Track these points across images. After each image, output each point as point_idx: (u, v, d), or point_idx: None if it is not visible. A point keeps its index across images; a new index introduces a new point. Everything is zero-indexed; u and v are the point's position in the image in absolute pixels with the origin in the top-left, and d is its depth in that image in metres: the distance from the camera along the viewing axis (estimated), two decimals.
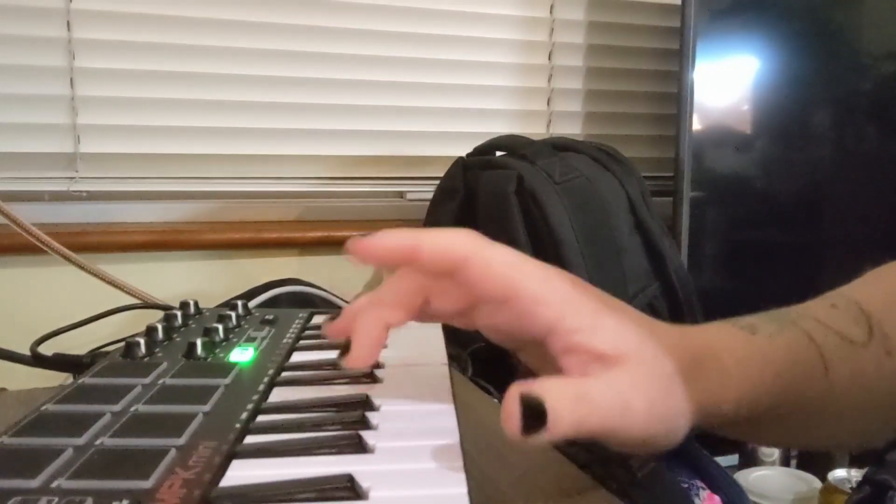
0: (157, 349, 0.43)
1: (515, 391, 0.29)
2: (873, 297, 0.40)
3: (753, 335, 0.37)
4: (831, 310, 0.39)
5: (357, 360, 0.33)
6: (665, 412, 0.32)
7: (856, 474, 0.88)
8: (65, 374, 0.61)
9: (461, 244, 0.32)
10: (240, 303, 0.53)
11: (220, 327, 0.45)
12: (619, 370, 0.31)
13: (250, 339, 0.46)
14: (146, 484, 0.26)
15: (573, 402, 0.29)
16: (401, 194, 1.19)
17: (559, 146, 1.04)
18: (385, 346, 0.45)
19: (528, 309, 0.31)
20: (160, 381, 0.37)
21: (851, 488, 0.85)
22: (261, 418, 0.33)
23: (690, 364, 0.33)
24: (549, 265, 0.34)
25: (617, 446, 0.31)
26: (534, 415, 0.28)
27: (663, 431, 0.32)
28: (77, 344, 0.63)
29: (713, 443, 0.98)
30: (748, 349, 0.36)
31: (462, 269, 0.32)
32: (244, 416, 0.33)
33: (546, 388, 0.29)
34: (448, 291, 0.33)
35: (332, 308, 0.93)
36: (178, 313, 0.49)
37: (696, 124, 1.12)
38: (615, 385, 0.30)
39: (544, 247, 0.91)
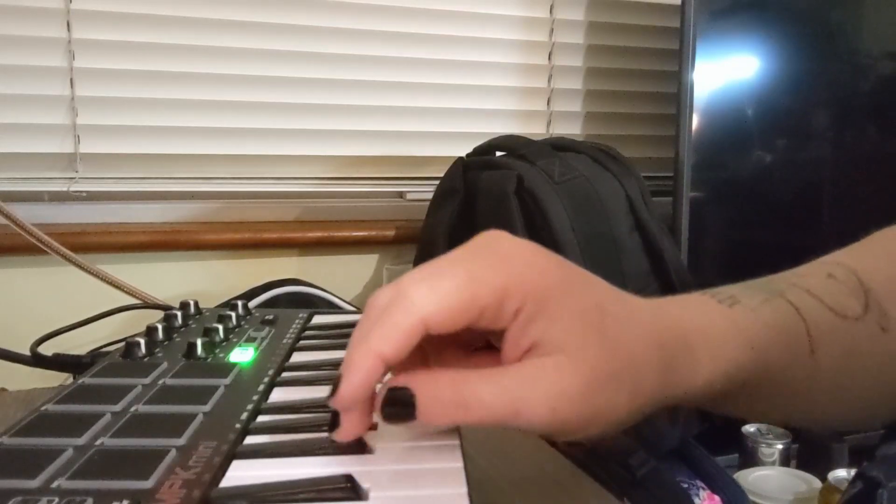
0: (157, 349, 0.43)
1: (389, 383, 0.28)
2: (875, 269, 0.37)
3: (732, 308, 0.34)
4: (827, 280, 0.37)
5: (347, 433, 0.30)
6: (576, 416, 0.29)
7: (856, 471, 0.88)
8: (65, 374, 0.61)
9: (405, 319, 0.28)
10: (240, 303, 0.53)
11: (220, 327, 0.45)
12: (537, 366, 0.29)
13: (250, 340, 0.46)
14: (146, 484, 0.26)
15: (448, 405, 0.28)
16: (401, 194, 1.19)
17: (559, 146, 1.04)
18: None
19: (493, 311, 0.30)
20: (160, 382, 0.37)
21: None
22: (261, 418, 0.33)
23: (653, 354, 0.31)
24: (505, 244, 0.31)
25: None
26: (404, 407, 0.28)
27: (577, 430, 0.30)
28: (77, 344, 0.63)
29: (713, 443, 0.98)
30: (724, 325, 0.33)
31: (428, 330, 0.29)
32: (244, 416, 0.33)
33: (420, 384, 0.28)
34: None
35: (332, 308, 0.93)
36: (178, 313, 0.49)
37: (696, 124, 1.12)
38: (513, 384, 0.29)
39: (544, 246, 0.91)
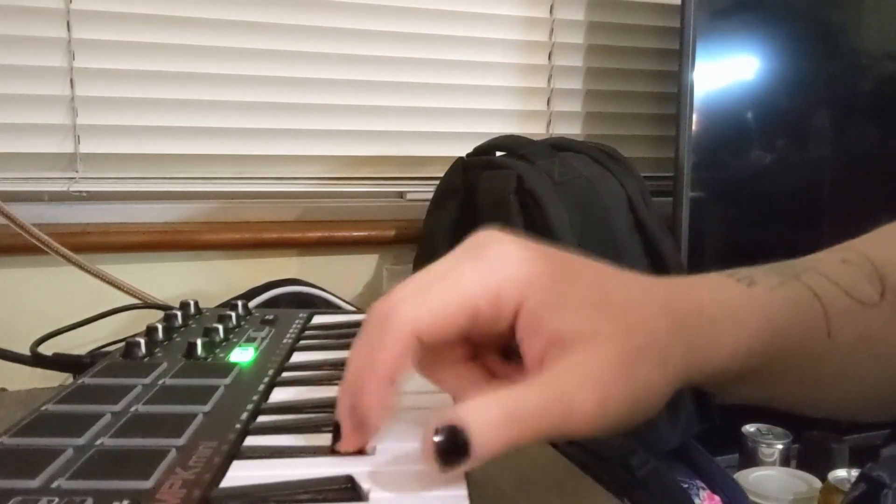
0: (157, 349, 0.43)
1: (433, 423, 0.27)
2: (889, 257, 0.37)
3: (751, 287, 0.34)
4: (842, 265, 0.36)
5: (349, 444, 0.30)
6: (623, 400, 0.29)
7: (856, 474, 0.87)
8: (65, 374, 0.61)
9: (397, 337, 0.28)
10: (240, 303, 0.53)
11: (220, 327, 0.45)
12: (572, 359, 0.28)
13: (250, 340, 0.46)
14: (146, 484, 0.26)
15: (501, 426, 0.27)
16: (401, 194, 1.19)
17: (559, 146, 1.04)
18: None
19: (489, 312, 0.29)
20: (160, 382, 0.37)
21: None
22: (261, 419, 0.33)
23: (673, 325, 0.31)
24: (494, 244, 0.31)
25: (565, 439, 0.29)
26: (457, 445, 0.26)
27: (622, 419, 0.29)
28: (77, 344, 0.63)
29: (713, 443, 0.98)
30: (744, 301, 0.33)
31: (423, 340, 0.29)
32: (244, 416, 0.33)
33: (468, 414, 0.27)
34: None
35: (332, 308, 0.93)
36: (178, 313, 0.49)
37: (696, 124, 1.12)
38: (558, 386, 0.28)
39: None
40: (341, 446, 0.30)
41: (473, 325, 0.30)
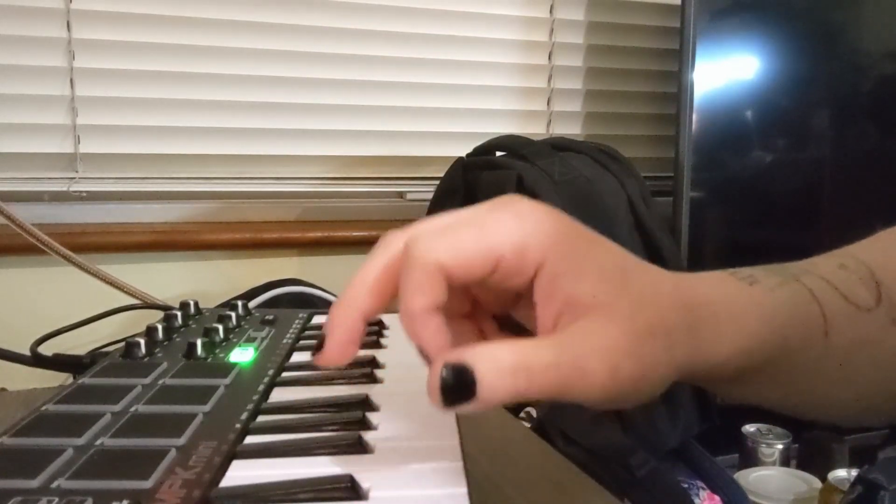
0: (157, 349, 0.43)
1: (442, 358, 0.26)
2: (886, 263, 0.38)
3: (752, 286, 0.34)
4: (839, 270, 0.37)
5: (331, 356, 0.30)
6: (632, 374, 0.28)
7: (856, 475, 0.87)
8: (65, 374, 0.61)
9: (424, 271, 0.29)
10: (240, 303, 0.53)
11: (220, 327, 0.45)
12: (587, 325, 0.28)
13: (250, 340, 0.46)
14: (146, 484, 0.26)
15: (509, 373, 0.26)
16: (401, 194, 1.19)
17: (559, 146, 1.04)
18: (384, 347, 0.46)
19: (511, 264, 0.29)
20: (160, 382, 0.37)
21: None
22: (261, 418, 0.33)
23: (680, 315, 0.31)
24: (523, 203, 0.31)
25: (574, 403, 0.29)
26: (463, 384, 0.26)
27: (628, 392, 0.29)
28: (77, 344, 0.63)
29: (713, 443, 0.98)
30: (745, 301, 0.33)
31: (447, 279, 0.29)
32: (244, 416, 0.33)
33: (478, 356, 0.26)
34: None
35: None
36: (178, 313, 0.49)
37: (696, 124, 1.12)
38: (573, 348, 0.28)
39: None
40: (322, 358, 0.29)
41: (492, 275, 0.29)
